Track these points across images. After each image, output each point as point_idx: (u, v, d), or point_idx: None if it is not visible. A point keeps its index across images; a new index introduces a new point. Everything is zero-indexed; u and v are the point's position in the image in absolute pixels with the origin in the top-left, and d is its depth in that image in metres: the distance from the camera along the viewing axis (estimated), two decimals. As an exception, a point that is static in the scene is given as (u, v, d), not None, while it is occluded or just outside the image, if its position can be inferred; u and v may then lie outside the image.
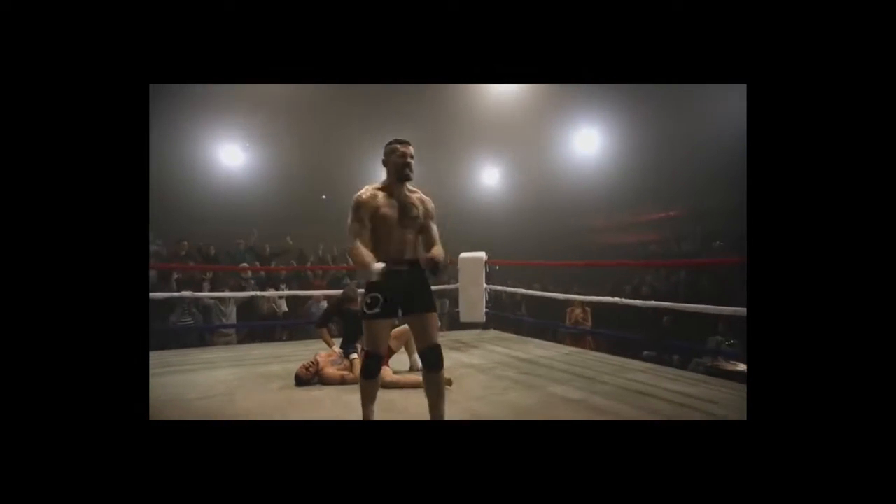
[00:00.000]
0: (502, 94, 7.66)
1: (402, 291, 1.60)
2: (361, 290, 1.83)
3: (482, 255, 4.16)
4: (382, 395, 1.77)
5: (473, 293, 4.14)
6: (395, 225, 1.63)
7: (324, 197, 9.80)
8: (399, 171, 1.65)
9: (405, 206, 1.65)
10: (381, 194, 1.66)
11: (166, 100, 5.92)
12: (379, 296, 1.56)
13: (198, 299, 4.21)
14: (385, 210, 1.63)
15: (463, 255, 4.26)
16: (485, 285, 4.13)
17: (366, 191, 1.66)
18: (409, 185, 1.71)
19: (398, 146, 1.67)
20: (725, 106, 5.55)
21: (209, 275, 4.53)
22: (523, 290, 3.91)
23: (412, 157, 1.67)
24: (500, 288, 4.22)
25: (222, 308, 4.32)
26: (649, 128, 7.17)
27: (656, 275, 5.43)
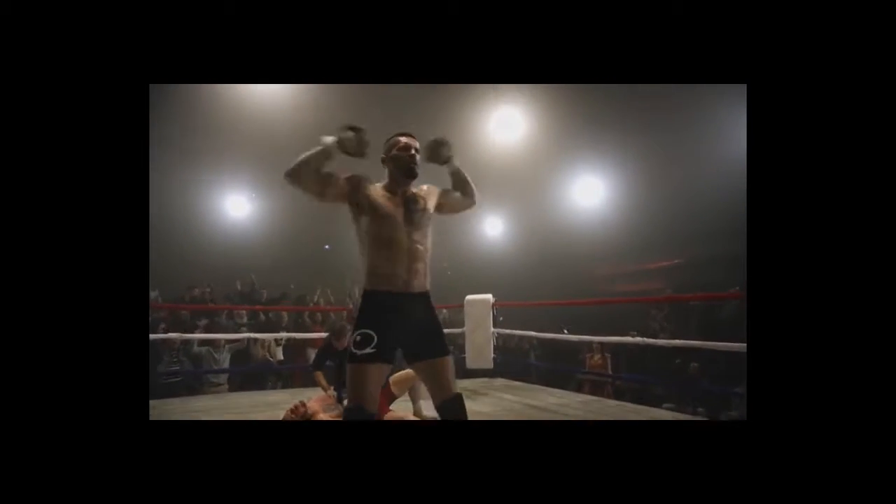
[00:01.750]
0: (502, 143, 7.87)
1: (405, 329, 1.26)
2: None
3: (489, 297, 3.99)
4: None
5: (480, 338, 3.91)
6: (399, 226, 1.30)
7: (326, 247, 9.78)
8: (402, 166, 1.35)
9: (410, 201, 1.35)
10: (380, 188, 1.37)
11: (173, 150, 6.06)
12: (371, 332, 1.22)
13: (188, 348, 3.99)
14: (387, 209, 1.30)
15: (469, 297, 4.09)
16: (492, 329, 3.91)
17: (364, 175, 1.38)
18: (414, 189, 1.42)
19: (400, 138, 1.39)
20: (728, 151, 5.63)
21: (203, 321, 4.34)
22: (535, 334, 3.67)
23: (418, 150, 1.39)
24: (508, 331, 4.00)
25: (215, 355, 4.08)
26: (652, 175, 7.27)
27: (668, 319, 5.21)
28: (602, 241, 8.49)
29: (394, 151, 1.39)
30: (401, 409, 2.41)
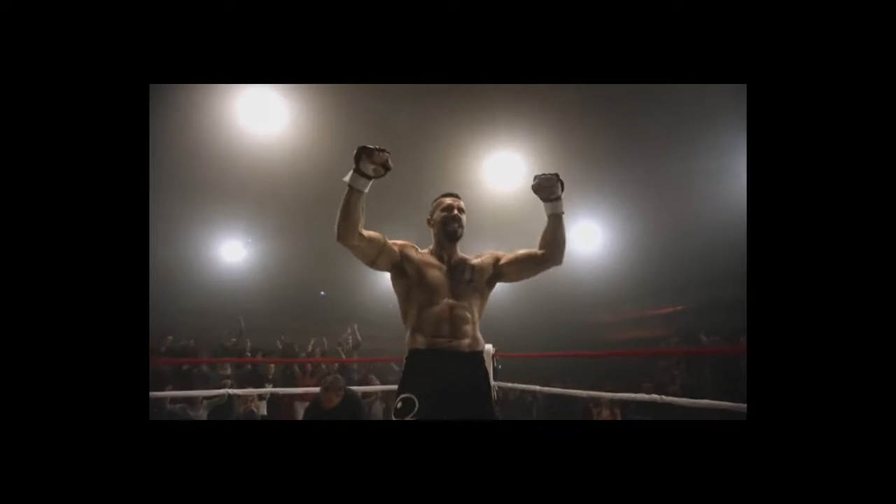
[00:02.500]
0: (500, 190, 7.89)
1: (450, 392, 1.17)
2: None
3: (489, 347, 3.73)
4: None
5: (480, 392, 3.61)
6: (444, 297, 1.24)
7: (322, 293, 9.58)
8: (444, 226, 1.32)
9: (457, 270, 1.29)
10: (428, 254, 1.33)
11: (171, 196, 6.01)
12: (413, 397, 1.15)
13: (160, 407, 3.68)
14: (433, 279, 1.25)
15: (467, 348, 3.83)
16: (493, 382, 3.62)
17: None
18: (464, 255, 1.36)
19: (444, 198, 1.37)
20: (732, 192, 5.61)
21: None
22: (539, 388, 3.39)
23: (462, 210, 1.35)
24: (510, 385, 3.71)
25: (190, 413, 3.75)
26: (652, 219, 7.24)
27: (677, 370, 4.92)
28: (602, 287, 8.32)
29: (437, 213, 1.36)
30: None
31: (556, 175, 1.29)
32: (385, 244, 1.26)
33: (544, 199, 1.32)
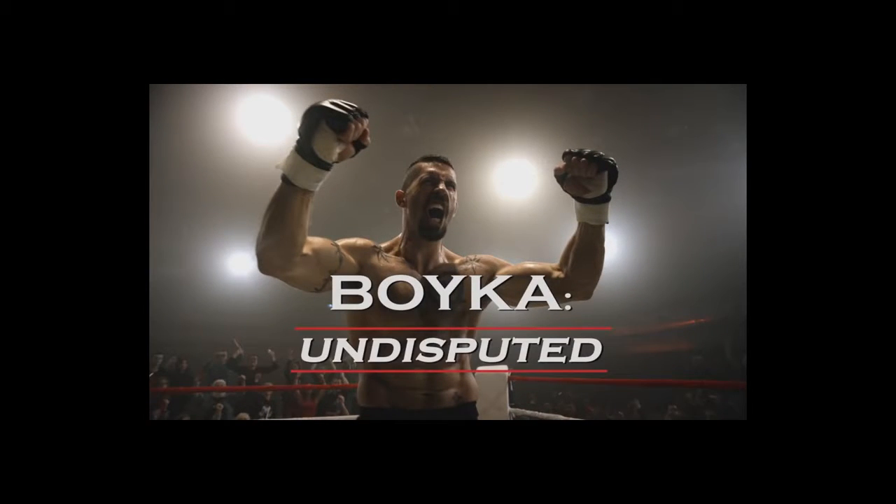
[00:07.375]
0: (514, 200, 7.60)
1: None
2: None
3: (504, 370, 3.40)
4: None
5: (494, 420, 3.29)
6: (415, 317, 0.85)
7: (329, 306, 9.40)
8: (420, 210, 0.90)
9: (439, 283, 0.86)
10: (392, 255, 0.92)
11: (174, 205, 5.86)
12: None
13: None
14: (399, 288, 0.83)
15: (480, 369, 3.51)
16: (509, 408, 3.29)
17: (359, 241, 0.93)
18: (447, 250, 0.96)
19: (425, 164, 0.94)
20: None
21: (167, 401, 3.77)
22: (563, 417, 3.02)
23: (452, 185, 0.92)
24: (530, 413, 3.37)
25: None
26: (671, 228, 6.90)
27: (714, 394, 4.53)
28: (620, 298, 7.95)
29: (413, 186, 0.93)
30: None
31: (606, 160, 0.82)
32: (342, 260, 0.85)
33: (578, 198, 0.87)
